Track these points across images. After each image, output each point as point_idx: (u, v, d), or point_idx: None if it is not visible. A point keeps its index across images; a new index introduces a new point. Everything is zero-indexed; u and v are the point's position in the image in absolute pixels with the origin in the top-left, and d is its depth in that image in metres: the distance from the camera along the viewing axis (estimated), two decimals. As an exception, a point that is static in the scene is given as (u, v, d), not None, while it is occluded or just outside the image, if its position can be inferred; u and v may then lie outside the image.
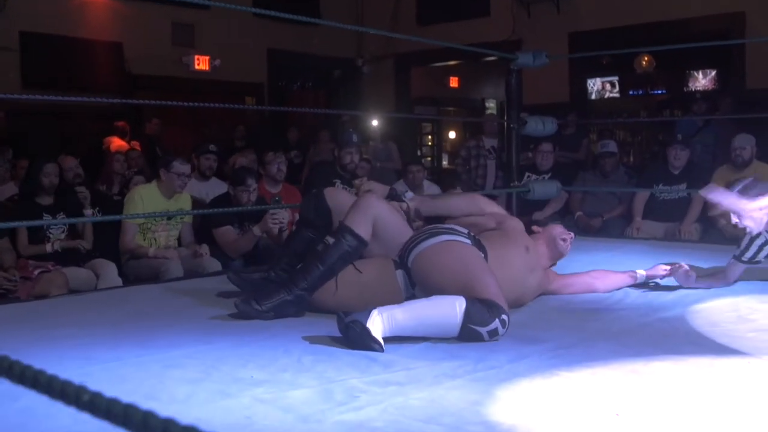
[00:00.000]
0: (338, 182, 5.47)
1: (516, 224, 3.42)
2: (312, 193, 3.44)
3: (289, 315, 2.96)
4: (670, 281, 3.58)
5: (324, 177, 5.47)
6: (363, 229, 3.02)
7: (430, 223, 3.36)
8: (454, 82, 14.31)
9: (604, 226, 6.39)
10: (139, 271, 4.92)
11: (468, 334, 2.57)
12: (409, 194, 3.52)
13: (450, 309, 2.56)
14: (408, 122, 12.05)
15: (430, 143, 14.85)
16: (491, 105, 14.72)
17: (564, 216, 6.51)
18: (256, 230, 4.88)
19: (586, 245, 4.78)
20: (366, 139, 9.14)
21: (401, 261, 3.00)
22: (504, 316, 2.60)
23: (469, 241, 2.99)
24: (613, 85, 11.23)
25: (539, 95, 9.20)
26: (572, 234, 3.50)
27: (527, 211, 5.03)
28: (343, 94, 11.99)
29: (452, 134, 15.37)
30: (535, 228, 3.55)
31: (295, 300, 2.96)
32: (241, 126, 10.13)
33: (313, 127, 10.82)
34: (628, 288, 3.59)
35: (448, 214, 3.48)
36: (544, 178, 6.51)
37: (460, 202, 3.59)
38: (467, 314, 2.55)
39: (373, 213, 3.06)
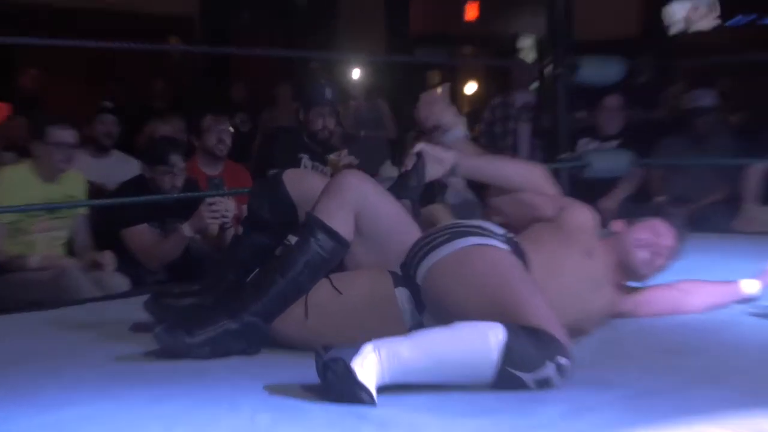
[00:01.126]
0: (305, 158, 5.48)
1: (581, 216, 3.39)
2: (265, 178, 3.48)
3: (235, 352, 2.93)
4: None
5: (284, 151, 5.48)
6: (342, 224, 3.01)
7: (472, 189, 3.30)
8: (472, 11, 14.35)
9: (699, 215, 6.28)
10: (13, 295, 4.81)
11: (506, 380, 2.54)
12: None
13: (481, 342, 2.53)
14: (406, 71, 11.97)
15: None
16: (527, 44, 14.73)
17: (640, 203, 6.50)
18: (186, 229, 4.87)
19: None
20: (345, 97, 9.08)
21: (405, 275, 2.99)
22: (562, 360, 2.56)
23: (505, 246, 2.99)
24: (706, 10, 11.16)
25: (598, 28, 9.22)
26: (665, 241, 3.43)
27: (584, 196, 4.94)
28: (311, 32, 11.95)
29: (471, 87, 15.33)
30: (615, 225, 3.53)
31: (244, 330, 2.94)
32: (162, 79, 10.02)
33: (267, 81, 10.68)
34: (738, 306, 3.56)
35: (496, 180, 3.48)
36: (609, 146, 6.51)
37: (515, 169, 3.56)
38: (508, 352, 2.51)
39: (357, 200, 3.05)
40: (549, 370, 2.53)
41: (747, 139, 6.99)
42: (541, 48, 10.72)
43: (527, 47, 14.66)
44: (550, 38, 5.43)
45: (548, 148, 5.46)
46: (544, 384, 2.54)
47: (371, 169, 6.67)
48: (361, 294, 3.00)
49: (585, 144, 6.67)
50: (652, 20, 10.36)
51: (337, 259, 3.04)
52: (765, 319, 3.40)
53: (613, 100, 6.91)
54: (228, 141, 5.94)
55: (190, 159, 5.58)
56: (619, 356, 2.98)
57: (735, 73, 11.11)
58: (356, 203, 3.04)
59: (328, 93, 5.74)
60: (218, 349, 2.92)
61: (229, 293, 3.18)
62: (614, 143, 6.71)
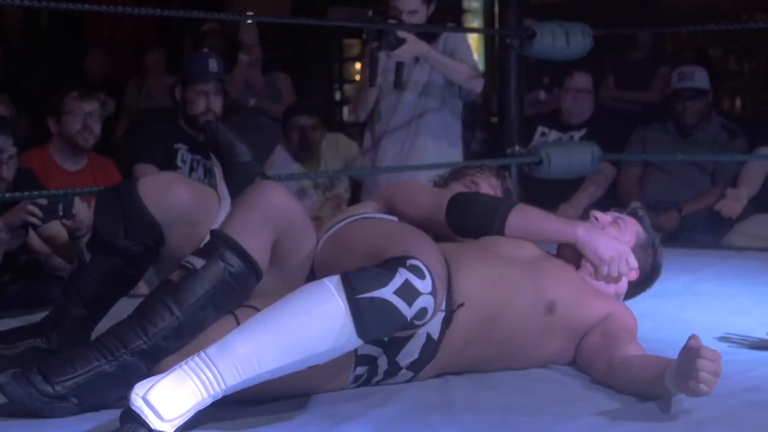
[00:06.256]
0: (183, 150, 5.57)
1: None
2: (112, 189, 3.33)
3: (111, 404, 2.81)
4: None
5: (154, 141, 5.57)
6: (259, 251, 2.99)
7: None
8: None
9: (684, 226, 6.44)
10: None
11: (370, 319, 2.64)
12: None
13: (314, 286, 2.70)
14: (316, 37, 11.97)
15: (358, 77, 14.60)
16: (474, 5, 15.06)
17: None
18: None
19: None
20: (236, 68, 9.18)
21: None
22: (413, 262, 2.72)
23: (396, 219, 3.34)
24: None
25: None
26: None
27: (539, 200, 4.95)
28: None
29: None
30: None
31: (123, 373, 2.81)
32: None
33: (135, 48, 10.95)
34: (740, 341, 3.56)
35: None
36: (572, 137, 6.63)
37: None
38: (346, 283, 2.65)
39: (278, 224, 3.03)
40: (401, 276, 2.68)
41: (744, 132, 6.96)
42: (492, 10, 10.92)
43: (475, 9, 15.02)
44: (501, -1, 5.58)
45: (499, 139, 5.54)
46: (408, 294, 2.68)
47: (259, 155, 6.69)
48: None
49: (542, 134, 6.81)
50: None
51: (247, 293, 3.00)
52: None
53: (581, 80, 6.92)
54: (97, 129, 5.82)
55: (42, 148, 5.59)
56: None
57: (735, 50, 11.06)
58: (277, 228, 3.03)
59: (213, 65, 5.67)
60: (90, 400, 2.80)
61: (78, 332, 3.16)
62: (579, 133, 6.76)
